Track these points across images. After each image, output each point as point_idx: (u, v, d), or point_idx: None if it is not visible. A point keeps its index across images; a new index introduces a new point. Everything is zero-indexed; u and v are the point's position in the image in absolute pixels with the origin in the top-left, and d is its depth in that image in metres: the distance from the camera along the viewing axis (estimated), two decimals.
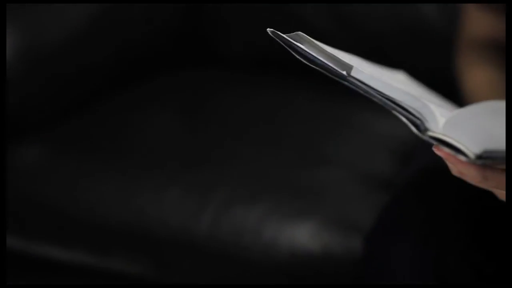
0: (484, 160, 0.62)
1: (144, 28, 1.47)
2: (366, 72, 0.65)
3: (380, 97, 0.64)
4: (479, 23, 1.05)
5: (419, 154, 1.05)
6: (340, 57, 0.66)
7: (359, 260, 0.97)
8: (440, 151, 0.64)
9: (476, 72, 1.05)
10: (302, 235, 1.07)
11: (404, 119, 0.64)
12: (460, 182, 0.68)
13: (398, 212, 0.90)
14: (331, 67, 0.65)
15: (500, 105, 0.68)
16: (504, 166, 0.65)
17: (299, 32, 0.68)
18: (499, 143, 0.62)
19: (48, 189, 1.18)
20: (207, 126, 1.27)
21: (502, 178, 0.66)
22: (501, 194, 0.69)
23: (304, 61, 0.66)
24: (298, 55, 0.66)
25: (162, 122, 1.27)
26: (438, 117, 0.63)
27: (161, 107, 1.33)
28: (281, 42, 0.67)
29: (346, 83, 0.65)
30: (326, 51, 0.66)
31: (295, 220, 1.08)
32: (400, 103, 0.64)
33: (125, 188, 1.15)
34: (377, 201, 1.07)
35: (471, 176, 0.67)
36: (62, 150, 1.23)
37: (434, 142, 0.63)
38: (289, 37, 0.67)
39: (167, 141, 1.23)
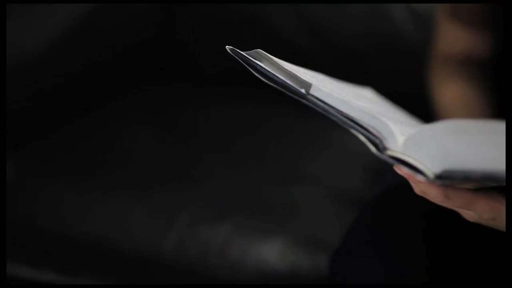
0: (444, 180, 0.61)
1: (117, 42, 1.46)
2: (325, 90, 0.64)
3: (338, 115, 0.63)
4: (454, 39, 1.05)
5: (387, 171, 1.05)
6: (300, 75, 0.65)
7: (327, 279, 0.96)
8: (401, 171, 0.63)
9: (449, 88, 1.04)
10: (270, 254, 1.06)
11: (362, 138, 0.63)
12: (427, 200, 0.67)
13: (366, 230, 0.88)
14: (289, 85, 0.64)
15: (462, 124, 0.67)
16: (466, 186, 0.64)
17: (258, 50, 0.67)
18: (460, 163, 0.61)
19: (12, 204, 1.16)
20: (179, 142, 1.26)
21: (465, 198, 0.65)
22: (466, 214, 0.67)
23: (263, 79, 0.65)
24: (257, 73, 0.65)
25: (134, 138, 1.26)
26: (398, 135, 0.62)
27: (134, 123, 1.32)
28: (239, 60, 0.66)
29: (304, 101, 0.64)
30: (285, 68, 0.65)
31: (263, 238, 1.07)
32: (359, 122, 0.63)
33: (93, 205, 1.14)
34: (347, 219, 1.05)
35: (433, 195, 0.66)
36: (31, 166, 1.21)
37: (394, 162, 0.62)
38: (247, 54, 0.66)
39: (138, 157, 1.22)
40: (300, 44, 1.42)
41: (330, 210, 1.10)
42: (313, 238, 1.06)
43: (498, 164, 0.60)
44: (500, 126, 0.62)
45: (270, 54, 0.66)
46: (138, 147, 1.24)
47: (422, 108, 1.07)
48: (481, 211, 0.65)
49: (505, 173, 0.59)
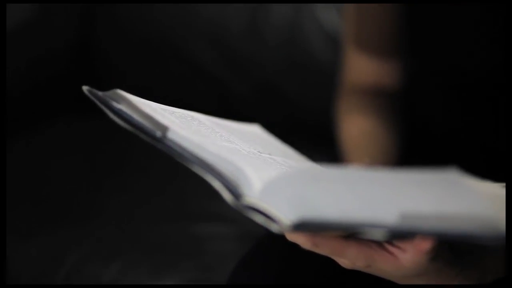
0: (301, 229, 0.58)
1: (37, 74, 1.42)
2: (183, 133, 0.62)
3: (194, 160, 0.60)
4: (360, 69, 1.03)
5: None
6: (158, 117, 0.62)
7: None
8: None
9: (355, 122, 1.03)
10: None
11: (217, 185, 0.60)
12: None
13: (252, 268, 0.85)
14: (145, 126, 0.61)
15: (324, 171, 0.65)
16: (335, 233, 0.62)
17: (117, 90, 0.64)
18: (318, 212, 0.58)
19: None
20: (80, 178, 1.23)
21: (334, 246, 0.63)
22: (340, 261, 0.66)
23: (119, 122, 0.62)
24: (114, 115, 0.63)
25: (35, 173, 1.23)
26: (255, 181, 0.60)
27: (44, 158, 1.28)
28: (97, 101, 0.63)
29: (160, 145, 0.61)
30: (142, 110, 0.62)
31: (155, 278, 1.04)
32: (215, 167, 0.60)
33: None
34: None
35: (301, 242, 0.64)
36: None
37: (249, 210, 0.59)
38: (105, 95, 0.63)
39: (28, 196, 1.18)
40: (219, 74, 1.41)
41: (231, 249, 1.07)
42: (208, 279, 1.03)
43: (356, 213, 0.58)
44: (363, 175, 0.60)
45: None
46: (30, 184, 1.21)
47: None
48: (354, 259, 0.64)
49: (363, 223, 0.57)
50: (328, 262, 0.78)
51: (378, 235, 0.57)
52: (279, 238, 0.88)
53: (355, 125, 1.02)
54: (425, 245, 0.60)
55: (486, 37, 0.89)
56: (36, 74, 1.41)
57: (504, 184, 0.71)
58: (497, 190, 0.66)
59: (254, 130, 0.83)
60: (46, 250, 1.09)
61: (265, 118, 1.35)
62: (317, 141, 1.25)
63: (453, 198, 0.55)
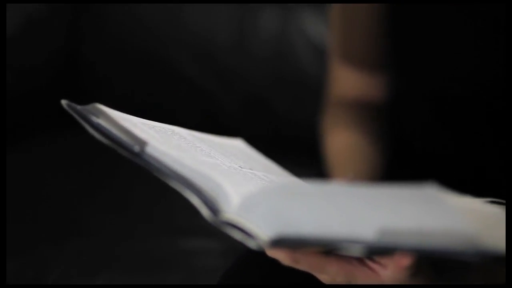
0: (279, 245, 0.58)
1: (22, 87, 1.42)
2: (162, 148, 0.61)
3: (172, 176, 0.60)
4: (346, 82, 1.03)
5: None
6: (136, 132, 0.62)
7: None
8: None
9: (340, 136, 1.02)
10: None
11: (196, 201, 0.60)
12: None
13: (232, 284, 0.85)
14: (123, 141, 0.61)
15: (303, 186, 0.64)
16: (310, 250, 0.61)
17: (96, 104, 0.64)
18: (296, 228, 0.58)
19: None
20: (69, 193, 1.22)
21: (314, 261, 0.63)
22: (320, 277, 0.65)
23: (98, 136, 0.62)
24: (92, 129, 0.62)
25: (17, 189, 1.22)
26: (233, 197, 0.60)
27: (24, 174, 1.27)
28: (76, 115, 0.63)
29: (138, 160, 0.61)
30: (121, 124, 0.62)
31: None
32: (193, 182, 0.60)
33: None
34: None
35: (281, 258, 0.64)
36: None
37: (227, 226, 0.59)
38: (84, 109, 0.63)
39: (20, 211, 1.18)
40: (205, 87, 1.41)
41: (218, 263, 1.07)
42: None
43: (335, 229, 0.57)
44: (343, 190, 0.60)
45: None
46: (11, 201, 1.19)
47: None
48: (334, 275, 0.64)
49: (341, 239, 0.57)
50: (310, 277, 0.78)
51: (356, 251, 0.56)
52: (262, 253, 0.88)
53: (340, 139, 1.01)
54: (405, 261, 0.59)
55: (472, 55, 0.89)
56: (20, 87, 1.41)
57: (488, 199, 0.71)
58: (479, 205, 0.65)
59: (237, 145, 0.82)
60: (28, 267, 1.08)
61: (251, 132, 1.35)
62: (303, 155, 1.25)
63: (432, 214, 0.55)
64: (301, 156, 1.25)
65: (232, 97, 1.39)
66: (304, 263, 0.63)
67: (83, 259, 1.08)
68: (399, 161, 1.02)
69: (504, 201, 0.73)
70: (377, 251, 0.58)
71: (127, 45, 1.44)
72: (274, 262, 0.82)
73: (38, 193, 1.22)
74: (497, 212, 0.64)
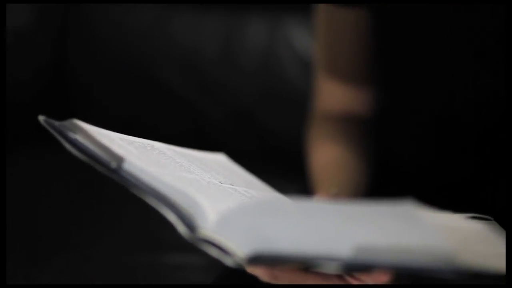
0: (256, 263, 0.58)
1: (7, 103, 1.41)
2: (139, 164, 0.61)
3: (149, 192, 0.60)
4: (332, 95, 1.02)
5: None
6: (113, 148, 0.61)
7: None
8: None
9: (326, 150, 1.01)
10: None
11: (172, 218, 0.59)
12: None
13: None
14: (100, 157, 0.60)
15: (281, 203, 0.64)
16: (290, 266, 0.61)
17: (74, 120, 0.64)
18: (273, 245, 0.58)
19: None
20: (51, 209, 1.22)
21: (293, 277, 0.63)
22: None
23: (75, 152, 0.62)
24: (70, 145, 0.62)
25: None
26: (210, 214, 0.59)
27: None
28: (52, 131, 0.63)
29: (115, 176, 0.61)
30: (98, 140, 0.62)
31: None
32: (170, 199, 0.60)
33: None
34: None
35: (259, 275, 0.64)
36: None
37: (204, 243, 0.59)
38: (62, 125, 0.63)
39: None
40: (193, 101, 1.40)
41: (201, 279, 1.06)
42: None
43: (312, 247, 0.57)
44: (320, 207, 0.59)
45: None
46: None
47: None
48: None
49: (317, 256, 0.56)
50: None
51: (332, 268, 0.56)
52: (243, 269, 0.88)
53: (324, 153, 1.01)
54: (383, 277, 0.59)
55: (458, 72, 0.88)
56: (7, 100, 1.40)
57: (470, 215, 0.71)
58: (459, 221, 0.65)
59: (219, 159, 0.82)
60: (13, 282, 1.08)
61: (237, 144, 1.35)
62: (289, 168, 1.25)
63: (409, 231, 0.55)
64: (287, 169, 1.25)
65: (219, 109, 1.39)
66: (283, 280, 0.63)
67: (67, 275, 1.07)
68: (383, 175, 1.01)
69: (488, 217, 0.73)
70: (353, 268, 0.57)
71: (113, 58, 1.44)
72: (255, 277, 0.82)
73: (21, 209, 1.22)
74: (480, 228, 0.64)
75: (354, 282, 0.62)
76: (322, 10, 0.96)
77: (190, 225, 0.59)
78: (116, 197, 1.23)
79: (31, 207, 1.22)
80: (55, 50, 1.47)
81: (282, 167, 1.28)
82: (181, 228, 0.59)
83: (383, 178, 1.01)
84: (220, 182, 0.71)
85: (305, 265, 0.60)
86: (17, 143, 1.41)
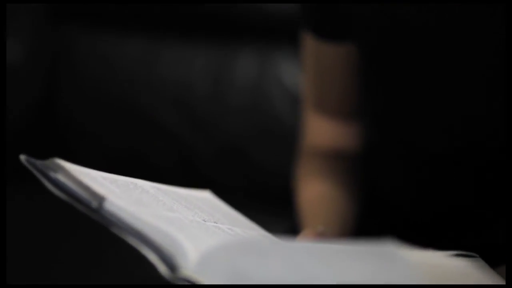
0: None
1: None
2: (120, 204, 0.61)
3: (130, 232, 0.59)
4: (320, 131, 1.02)
5: None
6: (94, 187, 0.61)
7: None
8: None
9: (314, 186, 1.01)
10: None
11: (153, 257, 0.59)
12: None
13: None
14: (80, 196, 0.60)
15: (262, 242, 0.64)
16: None
17: (56, 159, 0.63)
18: (254, 284, 0.57)
19: None
20: (36, 247, 1.22)
21: None
22: None
23: (56, 191, 0.62)
24: (51, 184, 0.62)
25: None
26: (191, 253, 0.59)
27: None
28: (33, 170, 0.63)
29: (96, 216, 0.60)
30: (79, 180, 0.61)
31: None
32: (151, 239, 0.59)
33: None
34: None
35: None
36: None
37: (184, 283, 0.58)
38: (43, 164, 0.63)
39: None
40: (183, 137, 1.41)
41: None
42: None
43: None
44: (301, 247, 0.59)
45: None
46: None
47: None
48: None
49: None
50: None
51: None
52: None
53: (312, 190, 1.01)
54: None
55: (446, 111, 0.88)
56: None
57: (454, 252, 0.70)
58: (441, 259, 0.65)
59: (204, 196, 0.82)
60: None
61: (227, 180, 1.35)
62: (278, 205, 1.24)
63: (387, 270, 0.55)
64: (276, 206, 1.25)
65: (208, 145, 1.39)
66: None
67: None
68: (371, 208, 1.01)
69: (473, 254, 0.73)
70: None
71: (104, 93, 1.44)
72: None
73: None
74: (462, 265, 0.64)
75: None
76: (309, 45, 0.96)
77: (171, 265, 0.59)
78: (101, 231, 1.23)
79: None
80: (45, 85, 1.48)
81: (270, 202, 1.28)
82: (162, 268, 0.59)
83: (371, 210, 1.01)
84: (203, 220, 0.70)
85: None
86: (8, 178, 1.41)
